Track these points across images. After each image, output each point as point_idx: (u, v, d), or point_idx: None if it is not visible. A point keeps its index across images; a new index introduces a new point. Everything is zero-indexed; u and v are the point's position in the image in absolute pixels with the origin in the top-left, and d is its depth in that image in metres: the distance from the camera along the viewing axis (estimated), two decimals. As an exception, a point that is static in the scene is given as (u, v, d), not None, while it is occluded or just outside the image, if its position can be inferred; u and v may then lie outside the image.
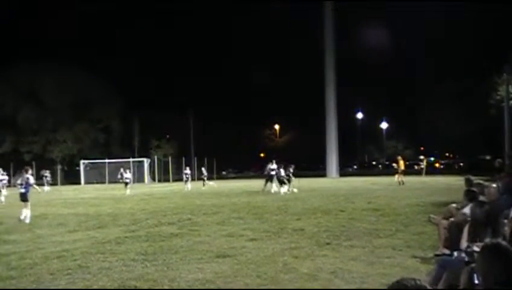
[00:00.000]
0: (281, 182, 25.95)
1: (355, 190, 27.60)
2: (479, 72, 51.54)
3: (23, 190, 15.63)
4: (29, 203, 15.51)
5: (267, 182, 27.19)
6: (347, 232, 11.08)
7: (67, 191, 36.67)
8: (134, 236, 11.48)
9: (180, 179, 57.88)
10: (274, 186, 26.59)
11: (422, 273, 6.63)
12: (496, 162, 17.51)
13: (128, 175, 33.04)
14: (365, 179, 43.06)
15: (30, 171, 16.45)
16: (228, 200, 21.94)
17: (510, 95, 36.69)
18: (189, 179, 35.13)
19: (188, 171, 36.09)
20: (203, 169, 38.08)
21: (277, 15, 78.44)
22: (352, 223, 12.74)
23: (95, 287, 6.89)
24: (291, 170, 27.03)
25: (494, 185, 7.34)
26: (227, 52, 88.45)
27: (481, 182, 8.83)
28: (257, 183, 31.41)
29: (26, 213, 15.20)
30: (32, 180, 16.09)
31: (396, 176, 31.99)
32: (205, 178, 36.75)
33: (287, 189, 25.74)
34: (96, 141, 64.61)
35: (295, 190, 26.05)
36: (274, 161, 27.48)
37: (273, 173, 26.74)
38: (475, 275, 4.34)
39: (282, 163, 27.33)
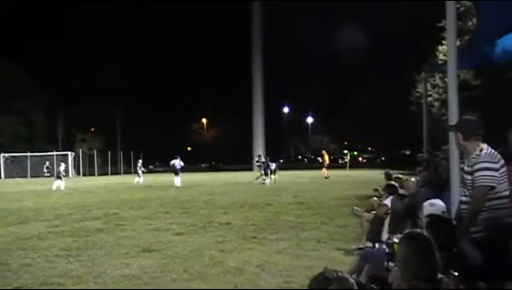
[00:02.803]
0: (265, 173, 28.46)
1: (282, 183, 27.99)
2: (399, 70, 53.51)
3: None
4: None
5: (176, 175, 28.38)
6: (273, 226, 11.23)
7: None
8: (58, 231, 11.13)
9: (106, 173, 56.79)
10: (179, 181, 27.81)
11: (347, 265, 6.81)
12: (417, 156, 18.13)
13: (62, 168, 29.88)
14: (291, 173, 43.71)
15: None
16: (155, 194, 21.70)
17: (428, 92, 38.27)
18: (142, 172, 34.27)
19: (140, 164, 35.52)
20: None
21: (206, 12, 78.35)
22: (278, 216, 12.94)
23: (15, 285, 6.58)
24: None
25: (413, 179, 7.64)
26: (155, 45, 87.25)
27: (400, 176, 9.18)
28: (184, 178, 31.19)
29: None
30: None
31: (324, 170, 32.70)
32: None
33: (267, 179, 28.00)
34: (18, 135, 61.83)
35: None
36: (178, 157, 28.98)
37: (178, 167, 28.48)
38: (390, 263, 4.52)
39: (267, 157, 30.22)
